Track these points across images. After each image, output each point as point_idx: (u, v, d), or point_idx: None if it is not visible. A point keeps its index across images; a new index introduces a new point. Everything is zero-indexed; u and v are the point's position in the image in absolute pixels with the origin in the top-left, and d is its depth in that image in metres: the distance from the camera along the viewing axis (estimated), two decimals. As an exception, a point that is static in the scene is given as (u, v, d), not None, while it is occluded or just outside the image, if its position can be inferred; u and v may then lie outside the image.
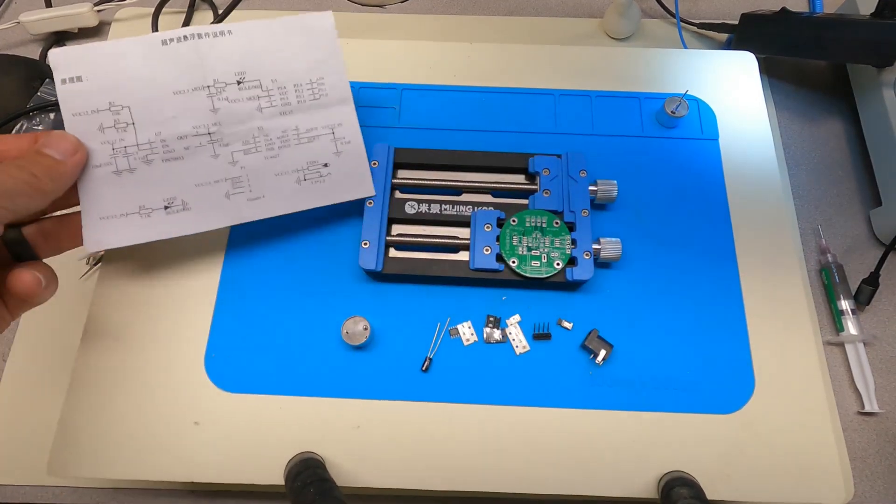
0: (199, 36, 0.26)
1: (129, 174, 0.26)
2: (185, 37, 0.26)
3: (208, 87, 0.27)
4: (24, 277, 0.23)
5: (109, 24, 0.46)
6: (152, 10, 0.45)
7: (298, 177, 0.28)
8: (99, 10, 0.44)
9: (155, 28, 0.45)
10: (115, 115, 0.26)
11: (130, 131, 0.26)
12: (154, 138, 0.26)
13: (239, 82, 0.27)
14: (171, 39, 0.26)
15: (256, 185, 0.27)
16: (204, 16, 0.46)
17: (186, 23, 0.46)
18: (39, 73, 0.42)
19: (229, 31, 0.27)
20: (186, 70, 0.26)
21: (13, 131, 0.40)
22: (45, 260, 0.25)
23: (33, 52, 0.44)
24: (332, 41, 0.28)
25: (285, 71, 0.27)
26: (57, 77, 0.25)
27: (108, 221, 0.26)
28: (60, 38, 0.45)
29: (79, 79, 0.26)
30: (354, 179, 0.28)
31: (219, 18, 0.43)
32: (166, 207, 0.27)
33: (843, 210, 0.40)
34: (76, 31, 0.45)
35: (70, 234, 0.26)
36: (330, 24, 0.28)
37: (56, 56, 0.25)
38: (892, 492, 0.33)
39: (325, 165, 0.28)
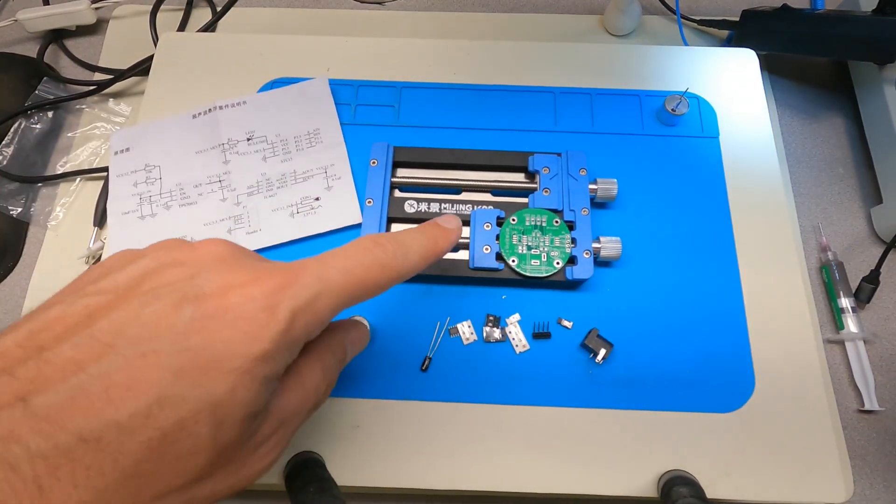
0: (221, 108, 0.33)
1: (151, 219, 0.31)
2: (209, 109, 0.33)
3: (223, 144, 0.32)
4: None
5: (107, 21, 0.46)
6: (150, 7, 0.45)
7: (292, 210, 0.31)
8: (97, 8, 0.44)
9: (153, 26, 0.45)
10: (147, 173, 0.32)
11: (157, 184, 0.32)
12: (174, 188, 0.31)
13: (248, 139, 0.32)
14: (200, 113, 0.33)
15: (255, 221, 0.30)
16: (202, 13, 0.46)
17: (184, 20, 0.45)
18: (37, 71, 0.42)
19: (244, 102, 0.33)
20: (208, 133, 0.32)
21: (11, 130, 0.40)
22: None
23: (31, 50, 0.44)
24: (326, 100, 0.33)
25: (287, 126, 0.32)
26: (111, 149, 0.32)
27: None
28: (58, 35, 0.45)
29: (127, 150, 0.32)
30: (344, 210, 0.31)
31: (217, 15, 0.43)
32: None
33: (843, 207, 0.40)
34: (74, 28, 0.45)
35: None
36: (324, 88, 0.33)
37: (115, 137, 0.33)
38: (893, 489, 0.33)
39: (317, 199, 0.31)
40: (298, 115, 0.33)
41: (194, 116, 0.33)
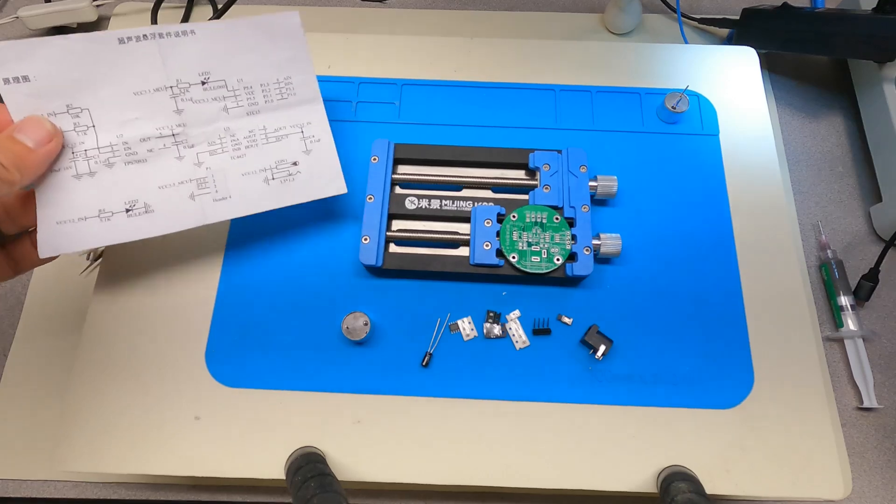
0: (160, 35, 0.25)
1: (90, 178, 0.25)
2: (144, 36, 0.25)
3: (171, 87, 0.26)
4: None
5: (108, 18, 0.46)
6: (151, 4, 0.45)
7: (266, 176, 0.27)
8: (98, 5, 0.44)
9: (154, 23, 0.45)
10: (74, 119, 0.25)
11: (91, 134, 0.25)
12: (116, 140, 0.25)
13: (203, 82, 0.26)
14: (130, 38, 0.25)
15: (222, 186, 0.27)
16: (203, 11, 0.46)
17: (185, 17, 0.45)
18: (39, 68, 0.42)
19: (192, 31, 0.26)
20: (147, 70, 0.26)
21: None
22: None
23: (32, 47, 0.44)
24: (299, 40, 0.27)
25: (251, 71, 0.27)
26: None
27: (65, 226, 0.25)
28: (59, 32, 0.45)
29: (25, 78, 0.24)
30: (325, 177, 0.28)
31: (217, 14, 0.43)
32: (127, 210, 0.26)
33: (843, 206, 0.40)
34: (75, 25, 0.45)
35: (33, 214, 0.25)
36: (296, 24, 0.27)
37: None
38: (891, 486, 0.33)
39: (295, 164, 0.28)
40: (264, 58, 0.27)
41: (122, 41, 0.25)
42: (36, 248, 0.25)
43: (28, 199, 0.25)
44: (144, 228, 0.26)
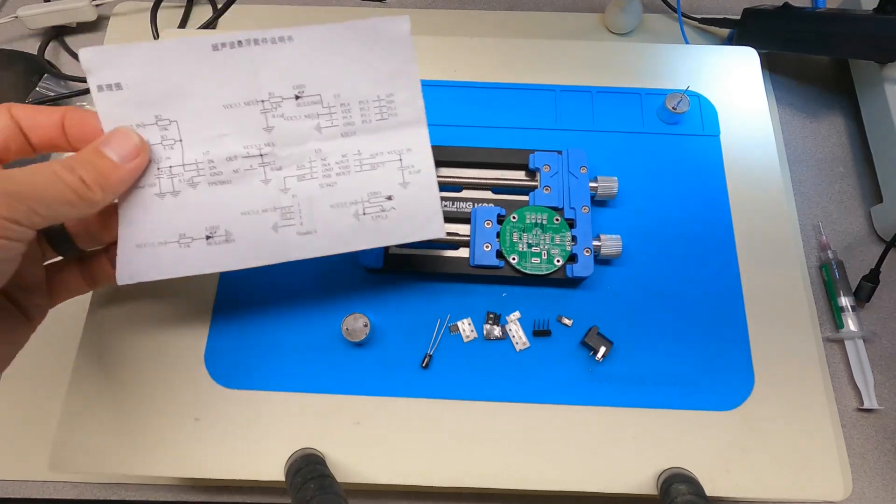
0: (256, 42, 0.23)
1: (173, 197, 0.23)
2: (239, 42, 0.23)
3: (262, 101, 0.23)
4: (66, 277, 0.23)
5: (108, 18, 0.46)
6: (151, 4, 0.45)
7: (357, 210, 0.24)
8: (97, 5, 0.44)
9: (154, 23, 0.45)
10: (162, 131, 0.23)
11: (178, 149, 0.23)
12: (202, 158, 0.23)
13: (297, 97, 0.23)
14: (224, 44, 0.22)
15: (308, 218, 0.24)
16: (202, 10, 0.46)
17: (185, 17, 0.45)
18: (38, 67, 0.42)
19: (290, 38, 0.23)
20: (239, 81, 0.23)
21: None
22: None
23: (32, 47, 0.44)
24: (406, 51, 0.24)
25: (350, 85, 0.24)
26: (91, 82, 0.22)
27: (145, 250, 0.23)
28: (59, 32, 0.45)
29: (118, 86, 0.22)
30: (422, 216, 0.24)
31: (218, 13, 0.43)
32: (208, 237, 0.23)
33: (843, 206, 0.40)
34: (74, 25, 0.45)
35: (112, 230, 0.24)
36: (404, 31, 0.24)
37: (88, 57, 0.22)
38: (891, 488, 0.33)
39: (389, 198, 0.24)
40: (366, 70, 0.24)
41: (216, 48, 0.23)
42: (112, 264, 0.24)
43: (108, 215, 0.24)
44: (223, 260, 0.24)
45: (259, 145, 0.23)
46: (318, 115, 0.24)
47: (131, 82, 0.22)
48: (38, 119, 0.21)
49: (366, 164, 0.24)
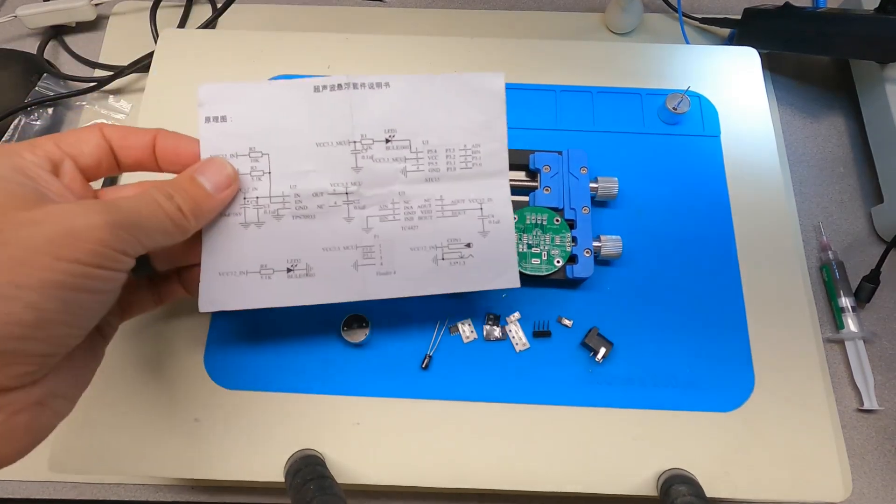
0: (355, 86, 0.24)
1: (256, 228, 0.24)
2: (339, 85, 0.24)
3: (354, 142, 0.24)
4: (137, 295, 0.23)
5: (107, 17, 0.46)
6: (150, 3, 0.45)
7: (436, 255, 0.25)
8: (97, 4, 0.44)
9: (154, 23, 0.45)
10: (253, 162, 0.24)
11: (265, 181, 0.24)
12: (288, 191, 0.24)
13: (387, 140, 0.24)
14: (325, 87, 0.24)
15: (388, 259, 0.24)
16: (202, 10, 0.46)
17: (185, 17, 0.45)
18: (37, 67, 0.42)
19: (387, 84, 0.24)
20: (334, 121, 0.24)
21: (11, 126, 0.40)
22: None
23: (31, 47, 0.44)
24: (498, 106, 0.25)
25: (439, 133, 0.25)
26: (201, 113, 0.23)
27: (227, 278, 0.23)
28: (58, 31, 0.45)
29: (223, 118, 0.24)
30: (499, 266, 0.25)
31: (217, 12, 0.43)
32: (289, 270, 0.24)
33: (844, 207, 0.40)
34: (74, 24, 0.45)
35: (190, 254, 0.24)
36: (499, 88, 0.25)
37: (205, 93, 0.23)
38: (891, 488, 0.33)
39: (468, 246, 0.25)
40: (456, 119, 0.25)
41: (317, 89, 0.24)
42: (183, 286, 0.24)
43: (189, 239, 0.23)
44: (303, 293, 0.24)
45: (346, 183, 0.24)
46: (406, 159, 0.24)
47: (236, 116, 0.24)
48: (129, 140, 0.22)
49: (447, 210, 0.25)
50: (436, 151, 0.25)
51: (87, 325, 0.18)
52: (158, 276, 0.24)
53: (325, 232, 0.24)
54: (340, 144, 0.24)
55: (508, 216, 0.25)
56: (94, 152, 0.21)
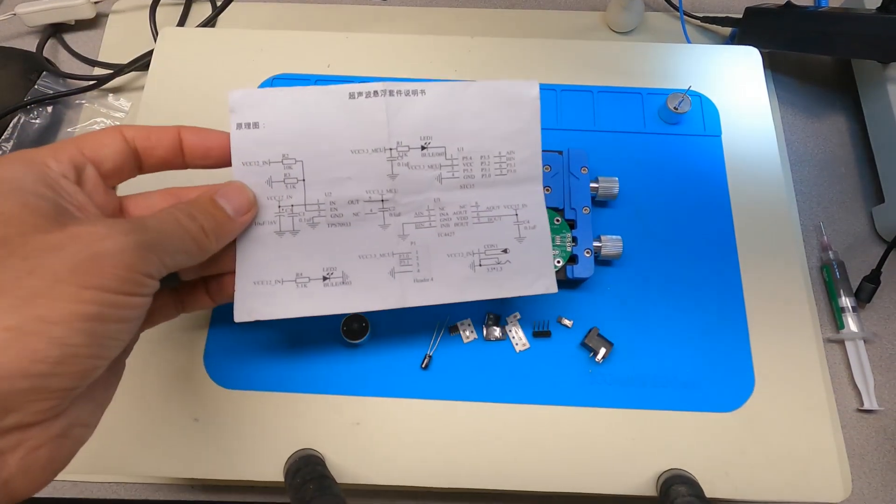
0: (391, 93, 0.24)
1: (292, 236, 0.24)
2: (375, 92, 0.24)
3: (390, 149, 0.24)
4: (160, 303, 0.23)
5: (107, 15, 0.46)
6: (149, 2, 0.45)
7: (473, 261, 0.25)
8: (96, 2, 0.44)
9: (153, 21, 0.44)
10: (286, 169, 0.23)
11: (300, 188, 0.23)
12: (323, 199, 0.24)
13: (423, 147, 0.24)
14: (360, 94, 0.24)
15: (425, 266, 0.24)
16: (201, 8, 0.46)
17: (184, 15, 0.45)
18: (36, 65, 0.42)
19: (423, 91, 0.24)
20: (370, 128, 0.24)
21: (10, 125, 0.40)
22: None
23: (30, 45, 0.44)
24: (532, 113, 0.25)
25: (474, 140, 0.25)
26: (233, 120, 0.23)
27: (263, 287, 0.23)
28: (57, 29, 0.45)
29: (255, 125, 0.23)
30: (535, 271, 0.25)
31: (217, 10, 0.43)
32: (325, 278, 0.24)
33: (845, 207, 0.40)
34: (73, 22, 0.45)
35: (217, 265, 0.23)
36: (533, 95, 0.25)
37: (236, 98, 0.23)
38: (891, 488, 0.33)
39: (505, 251, 0.25)
40: (491, 127, 0.25)
41: (352, 96, 0.24)
42: (208, 294, 0.24)
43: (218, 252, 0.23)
44: (340, 302, 0.24)
45: (382, 191, 0.24)
46: (441, 167, 0.24)
47: (268, 122, 0.23)
48: (152, 140, 0.21)
49: (483, 216, 0.25)
50: (471, 158, 0.25)
51: (114, 354, 0.17)
52: (181, 283, 0.24)
53: (360, 239, 0.24)
54: (376, 152, 0.24)
55: (544, 221, 0.25)
56: (116, 156, 0.20)
